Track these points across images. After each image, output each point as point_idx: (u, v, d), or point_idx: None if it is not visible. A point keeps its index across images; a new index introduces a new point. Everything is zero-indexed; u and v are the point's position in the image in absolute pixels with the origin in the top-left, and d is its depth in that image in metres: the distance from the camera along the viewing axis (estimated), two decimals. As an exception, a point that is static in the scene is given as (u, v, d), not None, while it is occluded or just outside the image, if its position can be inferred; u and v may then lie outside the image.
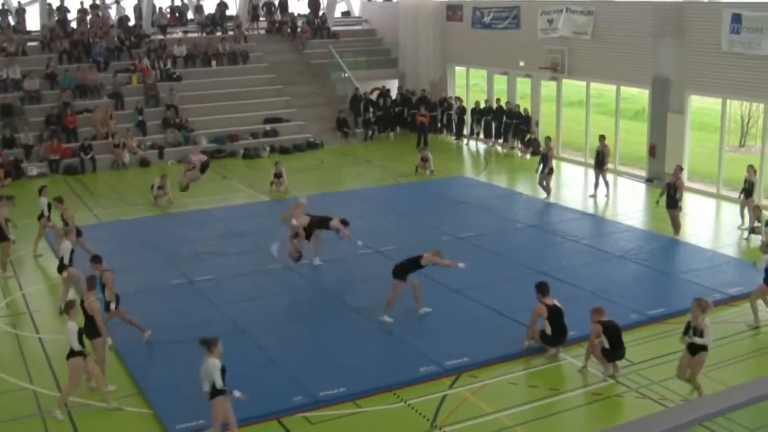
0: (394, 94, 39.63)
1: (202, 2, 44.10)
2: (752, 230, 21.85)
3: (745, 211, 22.70)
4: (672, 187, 22.00)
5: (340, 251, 21.58)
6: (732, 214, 24.49)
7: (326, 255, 21.17)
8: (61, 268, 18.26)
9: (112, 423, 13.75)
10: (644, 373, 14.65)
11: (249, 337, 16.42)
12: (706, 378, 14.35)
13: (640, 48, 28.53)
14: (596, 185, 26.64)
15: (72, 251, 18.26)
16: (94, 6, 41.60)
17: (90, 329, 14.43)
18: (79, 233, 20.44)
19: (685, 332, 13.87)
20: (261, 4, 44.94)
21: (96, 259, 16.49)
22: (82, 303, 14.64)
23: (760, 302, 16.83)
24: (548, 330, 15.31)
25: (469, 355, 15.26)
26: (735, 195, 26.28)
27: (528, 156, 33.20)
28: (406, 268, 17.09)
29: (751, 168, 22.97)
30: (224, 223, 24.48)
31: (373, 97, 38.85)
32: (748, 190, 22.71)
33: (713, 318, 16.78)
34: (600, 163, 26.56)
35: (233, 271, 20.54)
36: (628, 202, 26.57)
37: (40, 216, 22.46)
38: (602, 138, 27.02)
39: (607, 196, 26.58)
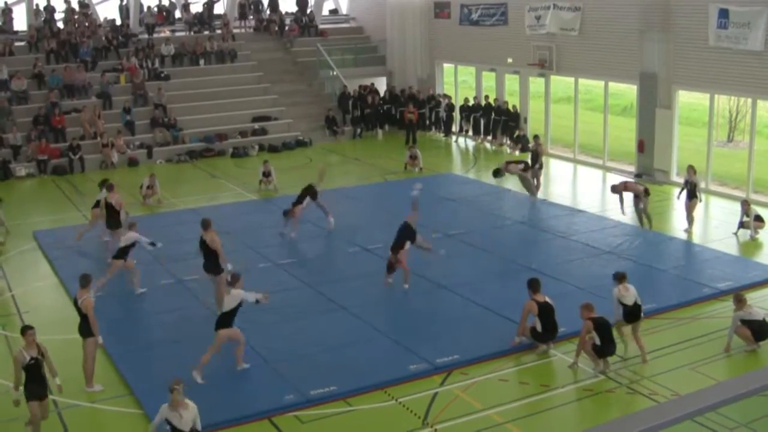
0: (382, 92, 39.56)
1: (189, 1, 44.03)
2: (741, 225, 21.89)
3: (694, 213, 22.43)
4: (689, 184, 22.13)
5: (329, 249, 21.61)
6: (720, 210, 24.57)
7: (314, 252, 21.18)
8: (119, 255, 18.81)
9: (103, 423, 13.72)
10: (635, 369, 14.69)
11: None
12: (696, 373, 14.41)
13: (628, 43, 28.58)
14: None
15: (133, 244, 18.87)
16: (83, 5, 41.49)
17: (83, 328, 14.40)
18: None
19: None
20: (249, 3, 44.87)
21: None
22: (75, 302, 14.61)
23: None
24: (539, 327, 15.33)
25: (459, 353, 15.27)
26: (724, 190, 26.40)
27: (517, 153, 33.23)
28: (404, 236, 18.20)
29: (691, 168, 22.44)
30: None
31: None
32: (691, 191, 22.16)
33: (702, 313, 16.88)
34: (534, 162, 26.38)
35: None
36: (617, 198, 26.57)
37: (95, 205, 23.13)
38: (536, 138, 27.13)
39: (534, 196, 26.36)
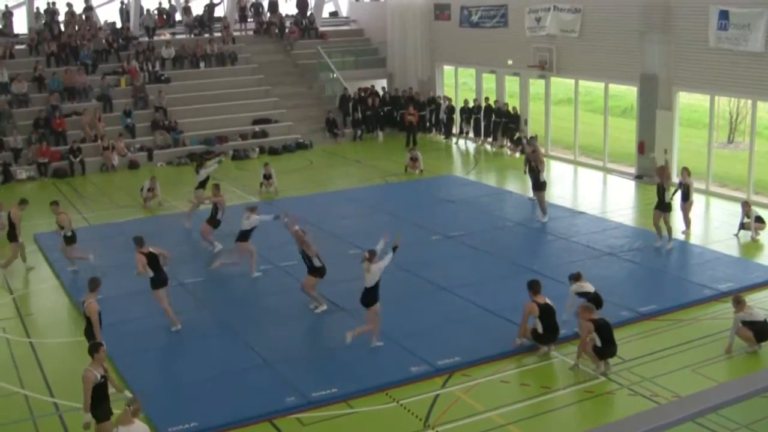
0: (383, 94, 39.58)
1: (190, 3, 44.08)
2: (742, 226, 21.88)
3: (690, 215, 22.38)
4: (684, 186, 22.09)
5: (329, 251, 21.59)
6: (721, 211, 24.58)
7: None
8: (242, 238, 19.84)
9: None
10: (636, 371, 14.67)
11: (240, 339, 16.41)
12: (697, 374, 14.41)
13: (628, 45, 28.59)
14: None
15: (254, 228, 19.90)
16: (88, 8, 41.52)
17: (89, 331, 14.40)
18: (73, 239, 20.59)
19: None
20: (249, 5, 44.90)
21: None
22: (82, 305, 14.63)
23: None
24: (539, 328, 15.34)
25: (460, 354, 15.27)
26: (724, 191, 26.40)
27: (517, 154, 33.22)
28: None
29: (685, 170, 22.30)
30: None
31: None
32: (685, 193, 22.04)
33: (703, 314, 16.87)
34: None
35: (223, 273, 20.51)
36: (618, 199, 26.61)
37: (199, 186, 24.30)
38: (532, 140, 27.73)
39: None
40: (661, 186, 20.98)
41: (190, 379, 14.86)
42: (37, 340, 16.94)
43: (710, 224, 23.83)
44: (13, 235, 21.40)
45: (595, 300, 15.72)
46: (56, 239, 21.34)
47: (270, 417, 13.44)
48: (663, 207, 21.04)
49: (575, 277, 16.21)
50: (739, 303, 15.35)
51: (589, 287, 16.00)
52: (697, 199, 25.62)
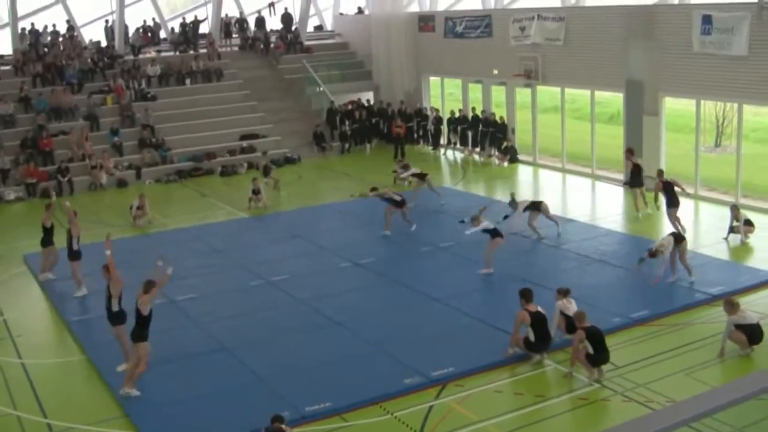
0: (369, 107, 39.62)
1: (175, 21, 44.11)
2: (731, 229, 21.95)
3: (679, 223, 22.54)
4: (670, 185, 22.57)
5: (320, 264, 21.61)
6: (710, 215, 24.64)
7: (307, 269, 21.20)
8: None
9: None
10: (629, 377, 14.67)
11: (233, 355, 16.36)
12: (691, 379, 14.42)
13: (613, 52, 28.68)
14: None
15: None
16: (69, 28, 41.49)
17: (135, 332, 14.86)
18: (78, 255, 20.42)
19: None
20: (233, 21, 44.92)
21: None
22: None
23: None
24: (532, 336, 15.33)
25: (454, 365, 15.25)
26: (713, 195, 26.47)
27: (505, 164, 33.32)
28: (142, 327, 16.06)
29: (660, 173, 23.37)
30: (204, 241, 24.42)
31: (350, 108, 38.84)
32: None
33: (695, 318, 16.89)
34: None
35: (215, 289, 20.48)
36: (606, 206, 26.66)
37: None
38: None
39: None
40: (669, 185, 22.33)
41: (184, 395, 14.80)
42: (28, 361, 16.86)
43: (699, 228, 23.87)
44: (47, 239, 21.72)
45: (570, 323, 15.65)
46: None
47: (264, 433, 13.39)
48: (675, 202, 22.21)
49: (563, 293, 16.12)
50: (732, 306, 15.36)
51: (572, 307, 15.86)
52: (685, 203, 25.74)
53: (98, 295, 19.30)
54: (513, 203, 23.07)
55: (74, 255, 20.48)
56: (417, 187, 27.26)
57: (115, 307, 15.95)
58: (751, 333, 15.19)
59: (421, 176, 27.01)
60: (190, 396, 14.78)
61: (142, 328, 14.89)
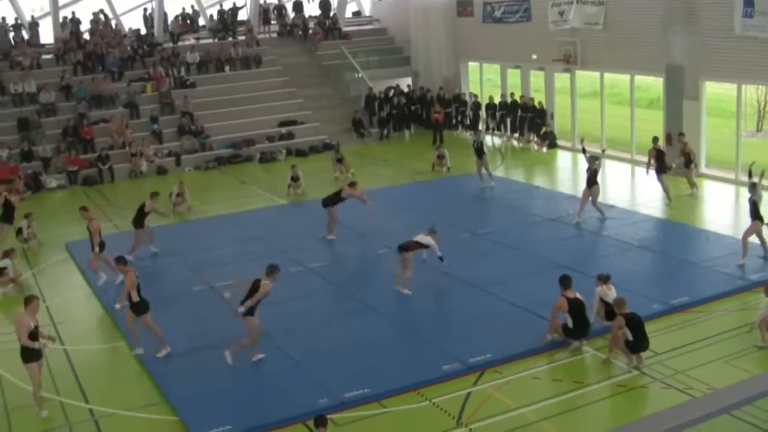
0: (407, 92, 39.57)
1: (213, 9, 44.29)
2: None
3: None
4: (662, 153, 24.34)
5: (359, 250, 21.65)
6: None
7: (346, 255, 21.24)
8: None
9: (140, 430, 13.81)
10: (669, 363, 14.59)
11: (272, 341, 16.43)
12: (730, 366, 14.31)
13: (653, 36, 28.41)
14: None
15: None
16: (105, 16, 41.77)
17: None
18: (102, 247, 20.56)
19: None
20: (272, 8, 45.01)
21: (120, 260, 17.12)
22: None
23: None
24: (570, 323, 15.29)
25: (492, 351, 15.24)
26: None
27: (544, 149, 33.16)
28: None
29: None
30: (243, 228, 24.54)
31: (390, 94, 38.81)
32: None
33: (736, 305, 16.72)
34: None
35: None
36: (646, 192, 26.45)
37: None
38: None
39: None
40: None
41: (223, 382, 14.92)
42: (71, 347, 17.06)
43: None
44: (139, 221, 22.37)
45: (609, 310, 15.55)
46: (87, 246, 21.42)
47: (303, 419, 13.47)
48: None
49: (603, 279, 16.04)
50: None
51: (612, 294, 15.74)
52: (726, 188, 25.59)
53: (142, 282, 19.54)
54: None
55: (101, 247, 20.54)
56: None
57: (135, 298, 16.10)
58: None
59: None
60: (229, 383, 14.90)
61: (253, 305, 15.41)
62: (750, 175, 20.34)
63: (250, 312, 15.34)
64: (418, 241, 18.48)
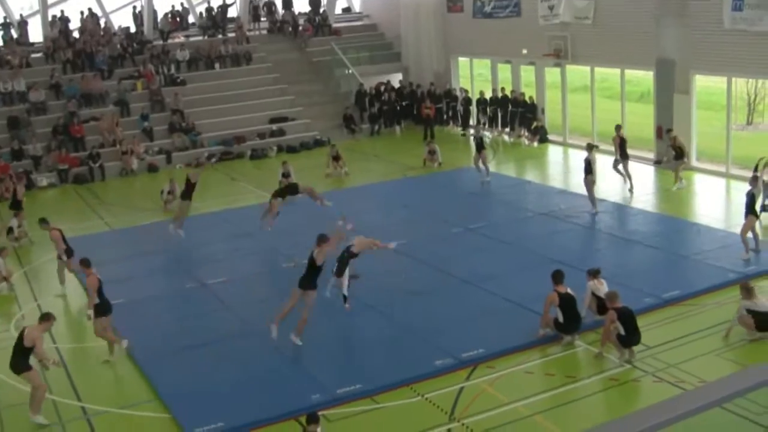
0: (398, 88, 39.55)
1: (203, 6, 44.23)
2: (764, 208, 21.68)
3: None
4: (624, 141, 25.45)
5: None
6: (741, 194, 24.37)
7: (336, 251, 21.15)
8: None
9: (132, 428, 13.79)
10: (660, 357, 14.61)
11: (264, 338, 16.40)
12: (722, 359, 14.34)
13: (643, 30, 28.41)
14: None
15: None
16: (93, 14, 41.67)
17: (307, 280, 15.87)
18: (69, 253, 20.29)
19: None
20: (261, 4, 44.93)
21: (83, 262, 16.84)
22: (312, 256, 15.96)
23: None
24: (560, 318, 15.30)
25: (484, 346, 15.25)
26: (745, 173, 26.19)
27: (535, 144, 33.17)
28: (344, 263, 17.28)
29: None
30: (235, 225, 24.52)
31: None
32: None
33: (727, 298, 16.73)
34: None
35: (245, 273, 20.58)
36: (638, 185, 26.46)
37: None
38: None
39: None
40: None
41: (215, 379, 14.91)
42: (62, 345, 17.02)
43: (732, 207, 23.67)
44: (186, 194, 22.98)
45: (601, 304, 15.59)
46: (77, 244, 21.35)
47: (296, 415, 13.46)
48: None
49: (593, 273, 16.06)
50: (747, 291, 15.21)
51: (603, 288, 15.78)
52: (716, 181, 25.62)
53: (129, 281, 19.53)
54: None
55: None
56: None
57: (95, 300, 16.15)
58: (761, 320, 15.01)
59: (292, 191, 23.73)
60: (222, 379, 14.87)
61: (312, 277, 15.89)
62: (756, 168, 20.46)
63: (312, 285, 15.79)
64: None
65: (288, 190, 23.10)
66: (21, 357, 13.91)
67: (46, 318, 14.33)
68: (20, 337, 13.98)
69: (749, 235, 18.91)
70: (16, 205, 24.93)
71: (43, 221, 20.91)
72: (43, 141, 33.26)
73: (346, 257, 17.17)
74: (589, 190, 23.17)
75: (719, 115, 29.57)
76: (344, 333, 16.59)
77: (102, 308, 16.18)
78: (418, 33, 40.20)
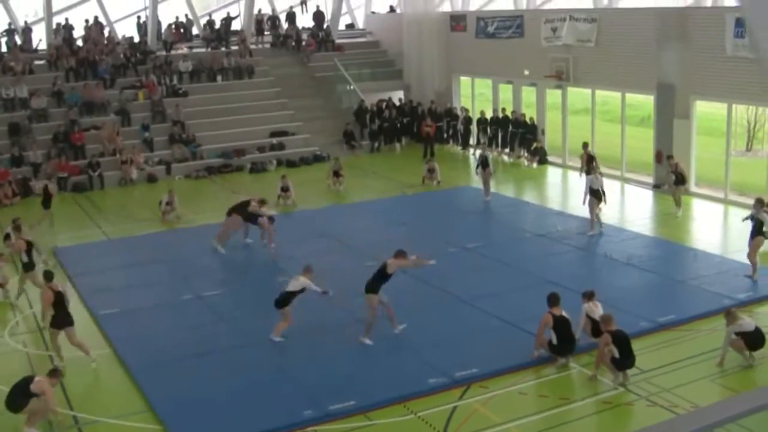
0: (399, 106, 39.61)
1: (207, 18, 44.36)
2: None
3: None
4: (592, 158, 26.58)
5: (346, 264, 21.60)
6: (739, 220, 24.43)
7: (333, 267, 21.15)
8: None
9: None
10: (654, 381, 14.61)
11: (259, 351, 16.43)
12: (716, 384, 14.34)
13: (644, 54, 28.52)
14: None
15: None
16: (97, 23, 41.76)
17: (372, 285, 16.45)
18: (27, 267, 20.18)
19: None
20: (266, 18, 45.05)
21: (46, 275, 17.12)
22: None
23: None
24: (554, 339, 15.30)
25: (478, 366, 15.24)
26: (743, 200, 26.27)
27: (534, 165, 33.23)
28: (377, 281, 16.90)
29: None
30: (232, 238, 24.48)
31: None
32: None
33: (722, 324, 16.72)
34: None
35: (242, 285, 20.59)
36: (636, 209, 26.53)
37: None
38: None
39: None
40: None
41: (208, 392, 14.88)
42: (55, 354, 16.97)
43: (729, 233, 23.71)
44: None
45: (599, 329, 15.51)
46: (75, 253, 21.39)
47: (288, 430, 13.44)
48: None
49: (588, 296, 16.04)
50: (731, 316, 15.23)
51: (598, 310, 15.75)
52: (715, 207, 25.66)
53: (126, 290, 19.51)
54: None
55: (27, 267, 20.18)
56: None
57: (50, 312, 16.49)
58: (752, 339, 15.04)
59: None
60: (215, 392, 14.84)
61: (378, 282, 16.61)
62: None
63: (374, 290, 16.49)
64: (291, 290, 16.99)
65: (239, 207, 23.35)
66: (23, 398, 13.73)
67: (54, 374, 14.16)
68: (26, 381, 13.81)
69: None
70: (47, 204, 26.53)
71: (6, 237, 21.08)
72: (43, 148, 33.26)
73: (378, 277, 16.92)
74: (591, 210, 23.21)
75: (719, 141, 29.70)
76: (338, 348, 16.55)
77: (57, 321, 16.34)
78: (420, 51, 40.31)
